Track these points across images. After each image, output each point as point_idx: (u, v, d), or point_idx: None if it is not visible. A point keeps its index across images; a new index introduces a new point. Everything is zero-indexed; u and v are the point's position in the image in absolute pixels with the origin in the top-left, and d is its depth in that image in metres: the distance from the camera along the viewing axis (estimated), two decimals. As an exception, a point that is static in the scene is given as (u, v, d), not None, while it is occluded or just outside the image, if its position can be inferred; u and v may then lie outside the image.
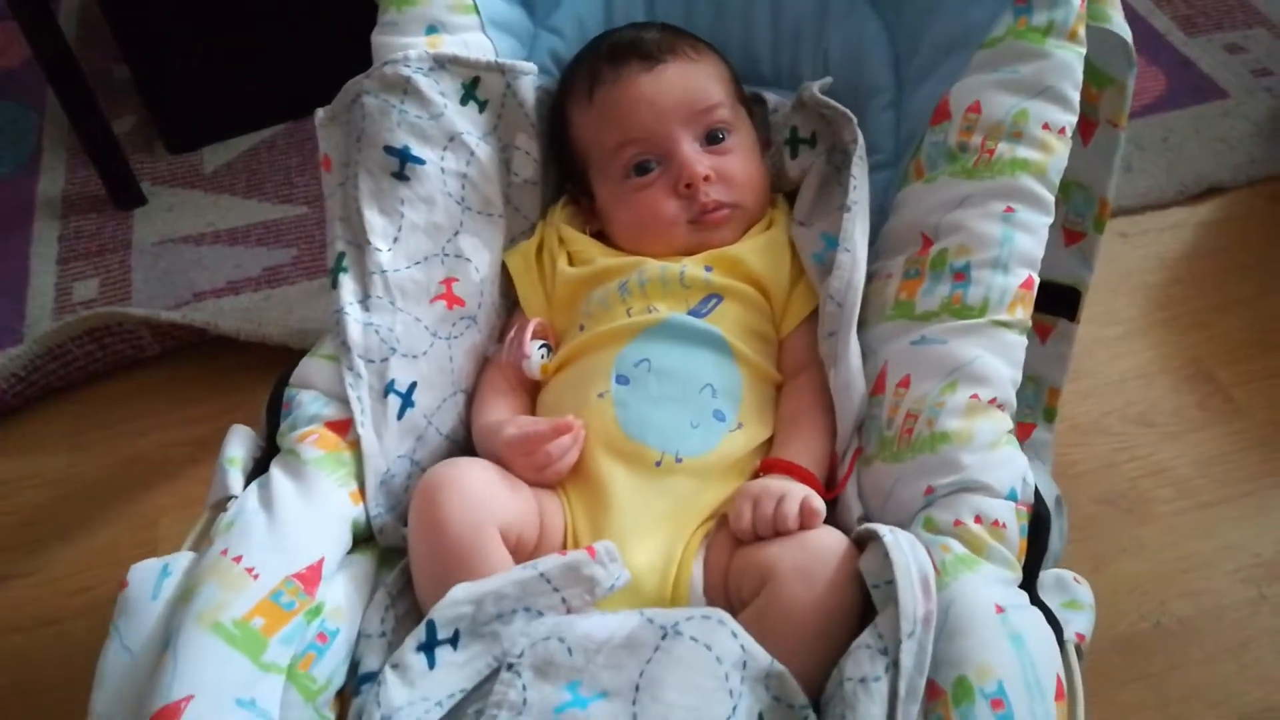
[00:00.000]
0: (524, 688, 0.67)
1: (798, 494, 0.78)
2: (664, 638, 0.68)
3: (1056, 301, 0.98)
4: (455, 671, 0.69)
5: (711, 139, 0.96)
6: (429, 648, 0.70)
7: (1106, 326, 1.37)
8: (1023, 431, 1.03)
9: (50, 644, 1.15)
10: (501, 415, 0.90)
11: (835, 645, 0.71)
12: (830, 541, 0.75)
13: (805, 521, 0.77)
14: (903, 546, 0.69)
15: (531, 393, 0.95)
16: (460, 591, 0.72)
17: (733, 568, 0.79)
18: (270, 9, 1.61)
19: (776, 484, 0.80)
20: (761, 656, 0.68)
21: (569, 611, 0.73)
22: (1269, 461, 1.23)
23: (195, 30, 1.59)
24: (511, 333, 0.95)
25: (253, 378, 1.31)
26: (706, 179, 0.94)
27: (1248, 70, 1.70)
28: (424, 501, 0.78)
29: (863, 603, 0.73)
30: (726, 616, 0.70)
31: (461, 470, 0.80)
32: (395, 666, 0.69)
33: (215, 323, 1.37)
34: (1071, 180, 0.92)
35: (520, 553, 0.79)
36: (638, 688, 0.66)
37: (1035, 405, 1.04)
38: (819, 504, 0.78)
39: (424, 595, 0.77)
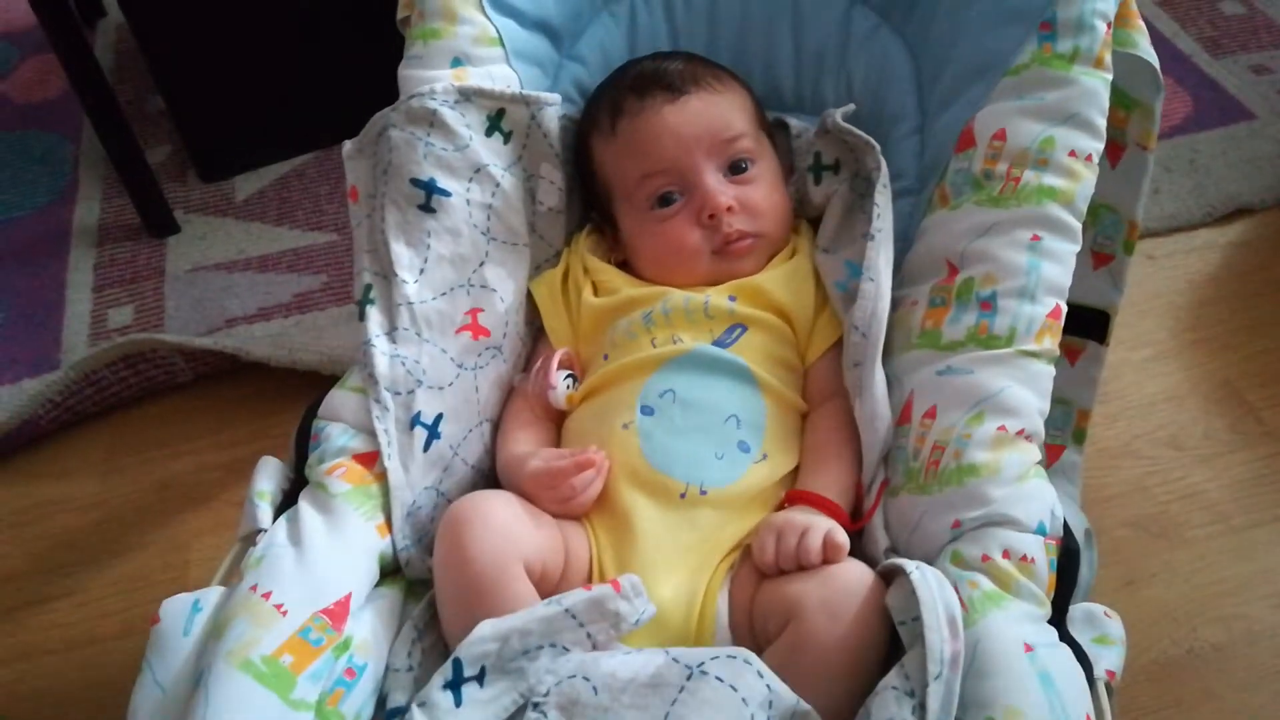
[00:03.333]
0: (550, 727, 0.67)
1: (821, 527, 0.77)
2: (689, 678, 0.67)
3: (1086, 324, 0.97)
4: (481, 709, 0.69)
5: (735, 169, 0.96)
6: (455, 685, 0.70)
7: (1135, 349, 1.35)
8: (1052, 454, 1.03)
9: (84, 666, 1.16)
10: (527, 446, 0.91)
11: (862, 681, 0.70)
12: (856, 575, 0.75)
13: (828, 556, 0.76)
14: (929, 582, 0.69)
15: (557, 422, 0.95)
16: (486, 628, 0.72)
17: (758, 602, 0.79)
18: (301, 41, 1.63)
19: (800, 517, 0.80)
20: (787, 696, 0.68)
21: (594, 646, 0.73)
22: (1302, 485, 1.20)
23: (228, 62, 1.61)
24: (537, 363, 0.95)
25: (284, 403, 1.35)
26: (729, 209, 0.94)
27: (1274, 91, 1.68)
28: (448, 537, 0.79)
29: (889, 637, 0.72)
30: (752, 656, 0.70)
31: (485, 504, 0.80)
32: (422, 705, 0.70)
33: (247, 349, 1.39)
34: (1100, 203, 0.91)
35: (545, 585, 0.79)
36: None
37: (1064, 427, 1.03)
38: (842, 538, 0.77)
39: (449, 629, 0.77)
